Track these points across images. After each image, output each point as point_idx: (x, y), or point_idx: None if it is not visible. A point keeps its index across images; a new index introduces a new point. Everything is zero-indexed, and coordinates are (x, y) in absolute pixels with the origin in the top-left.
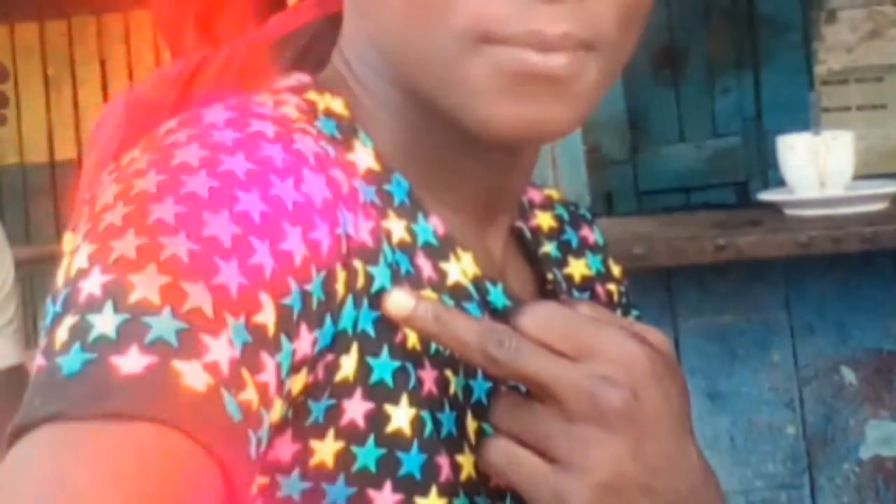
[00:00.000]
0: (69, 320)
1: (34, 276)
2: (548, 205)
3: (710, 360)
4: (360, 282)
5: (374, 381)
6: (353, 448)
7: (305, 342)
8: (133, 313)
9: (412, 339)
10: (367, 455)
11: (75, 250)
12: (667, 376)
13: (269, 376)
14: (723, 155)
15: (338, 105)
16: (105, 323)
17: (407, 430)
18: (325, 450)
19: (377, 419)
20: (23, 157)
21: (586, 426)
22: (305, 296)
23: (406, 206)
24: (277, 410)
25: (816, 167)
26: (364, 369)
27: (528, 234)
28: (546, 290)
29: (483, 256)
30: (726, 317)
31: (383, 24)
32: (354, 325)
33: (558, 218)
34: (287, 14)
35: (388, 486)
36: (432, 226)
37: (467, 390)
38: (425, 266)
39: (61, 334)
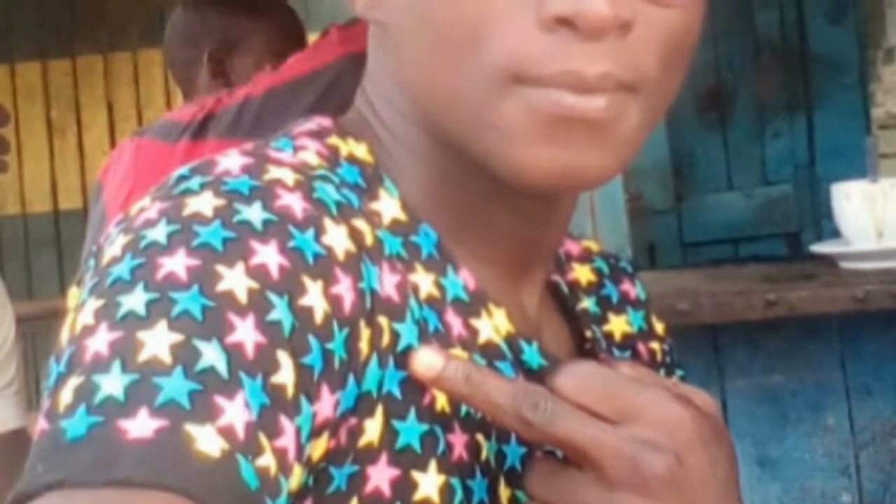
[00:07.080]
0: (74, 381)
1: (37, 333)
2: (586, 257)
3: (759, 424)
4: (386, 340)
5: (400, 446)
6: None
7: (327, 404)
8: (142, 374)
9: (441, 402)
10: None
11: (81, 306)
12: (713, 441)
13: (288, 441)
14: (773, 204)
15: (361, 151)
16: (112, 384)
17: (436, 498)
18: None
19: (404, 487)
20: (24, 207)
21: (627, 494)
22: (327, 354)
23: (434, 258)
24: (297, 477)
25: (874, 217)
26: (390, 433)
27: (565, 289)
28: (584, 349)
29: (517, 312)
30: (777, 377)
31: (410, 64)
32: (379, 386)
33: (597, 271)
34: (307, 53)
35: None
36: (462, 280)
37: (500, 456)
38: (455, 323)
39: (65, 396)
